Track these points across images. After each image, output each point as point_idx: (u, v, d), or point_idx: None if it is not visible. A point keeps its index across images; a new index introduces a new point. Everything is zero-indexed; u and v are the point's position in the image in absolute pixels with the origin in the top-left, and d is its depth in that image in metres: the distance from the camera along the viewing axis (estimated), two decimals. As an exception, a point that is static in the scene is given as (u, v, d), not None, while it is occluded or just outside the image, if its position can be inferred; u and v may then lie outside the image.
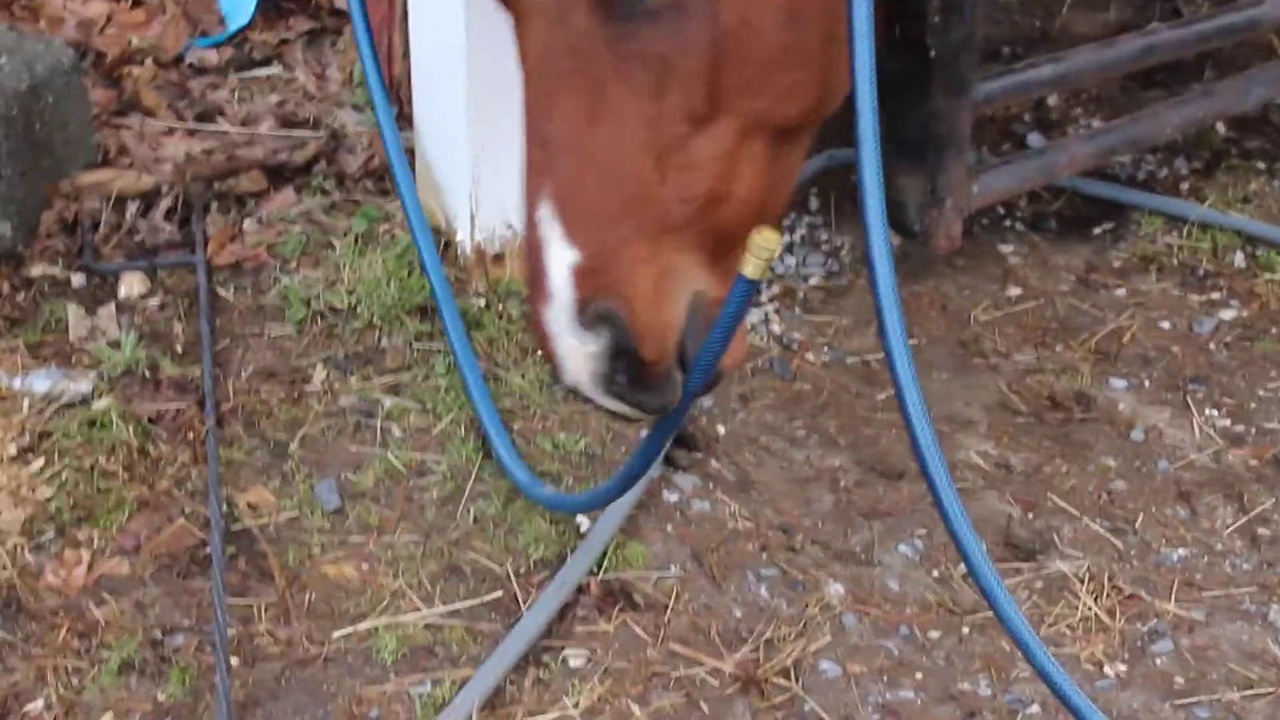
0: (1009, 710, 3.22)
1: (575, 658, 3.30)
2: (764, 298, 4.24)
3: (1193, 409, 3.94)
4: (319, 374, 3.95)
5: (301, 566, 3.48)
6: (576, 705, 3.18)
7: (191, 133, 4.78)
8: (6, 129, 4.16)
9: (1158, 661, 3.32)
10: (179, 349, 4.01)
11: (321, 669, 3.26)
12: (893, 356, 2.48)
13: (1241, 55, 5.03)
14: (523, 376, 3.94)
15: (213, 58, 5.16)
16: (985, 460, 3.79)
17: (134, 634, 3.29)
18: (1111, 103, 5.05)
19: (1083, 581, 3.47)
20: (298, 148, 4.67)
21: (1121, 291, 4.32)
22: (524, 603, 3.39)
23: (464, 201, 4.12)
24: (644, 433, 3.70)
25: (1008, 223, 4.58)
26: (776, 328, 4.17)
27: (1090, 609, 3.41)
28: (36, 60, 4.29)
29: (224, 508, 3.57)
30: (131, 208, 4.41)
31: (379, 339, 4.05)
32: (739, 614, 3.41)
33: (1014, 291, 4.32)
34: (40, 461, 3.63)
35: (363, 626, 3.34)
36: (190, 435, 3.74)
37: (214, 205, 4.45)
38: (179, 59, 5.16)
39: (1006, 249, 4.47)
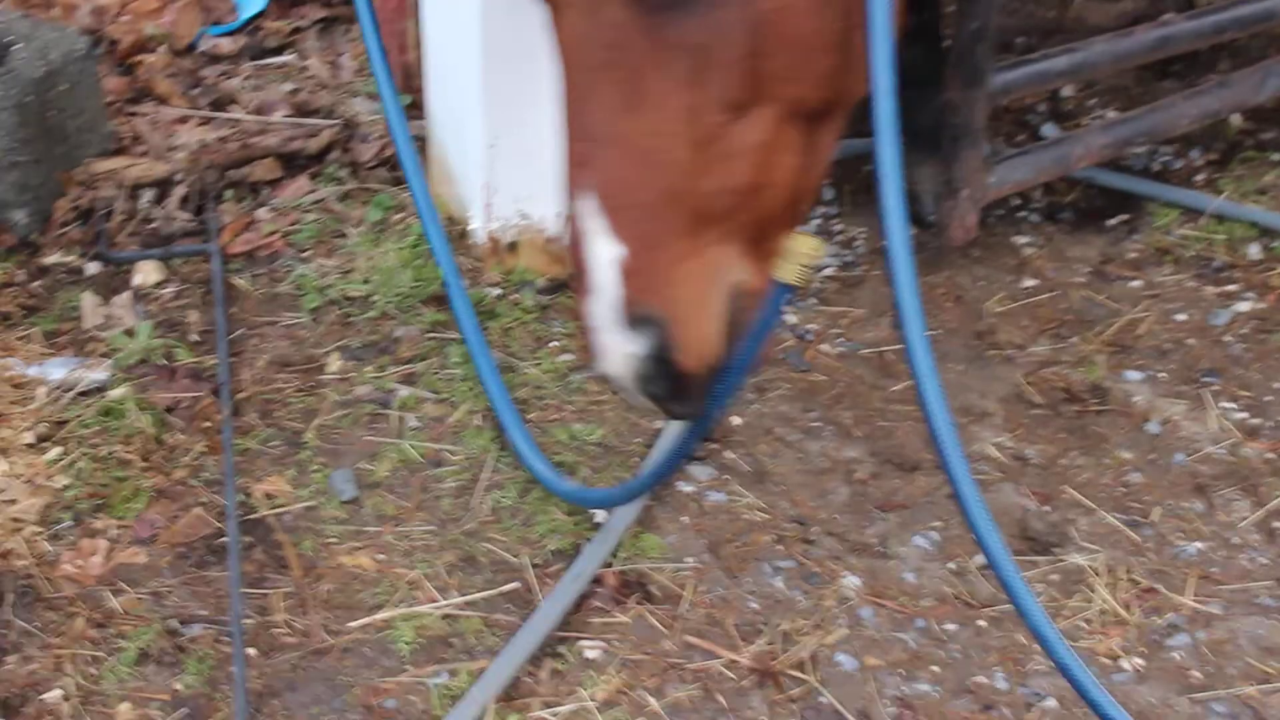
0: (1025, 703, 3.22)
1: (591, 649, 3.30)
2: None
3: (1208, 401, 3.93)
4: (334, 363, 3.95)
5: (318, 556, 3.48)
6: (593, 697, 3.18)
7: (205, 121, 4.78)
8: (21, 116, 4.16)
9: (1174, 655, 3.32)
10: (194, 338, 4.01)
11: (338, 659, 3.26)
12: (912, 347, 2.48)
13: (1257, 46, 5.02)
14: (538, 366, 3.93)
15: (226, 45, 5.16)
16: (1001, 452, 3.79)
17: (151, 623, 3.30)
18: (1126, 93, 5.03)
19: (1099, 574, 3.47)
20: (311, 136, 4.66)
21: (1137, 283, 4.31)
22: (540, 593, 3.39)
23: (478, 190, 4.12)
24: (664, 426, 3.71)
25: (1023, 214, 4.57)
26: (791, 318, 4.16)
27: (1106, 602, 3.41)
28: (51, 48, 4.29)
29: (240, 497, 3.57)
30: (146, 196, 4.41)
31: (394, 328, 4.04)
32: (755, 606, 3.41)
33: (1029, 283, 4.31)
34: (57, 450, 3.63)
35: (379, 617, 3.34)
36: (206, 424, 3.74)
37: (228, 194, 4.44)
38: (192, 47, 5.15)
39: (1021, 240, 4.47)
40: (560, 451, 3.73)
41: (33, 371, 3.82)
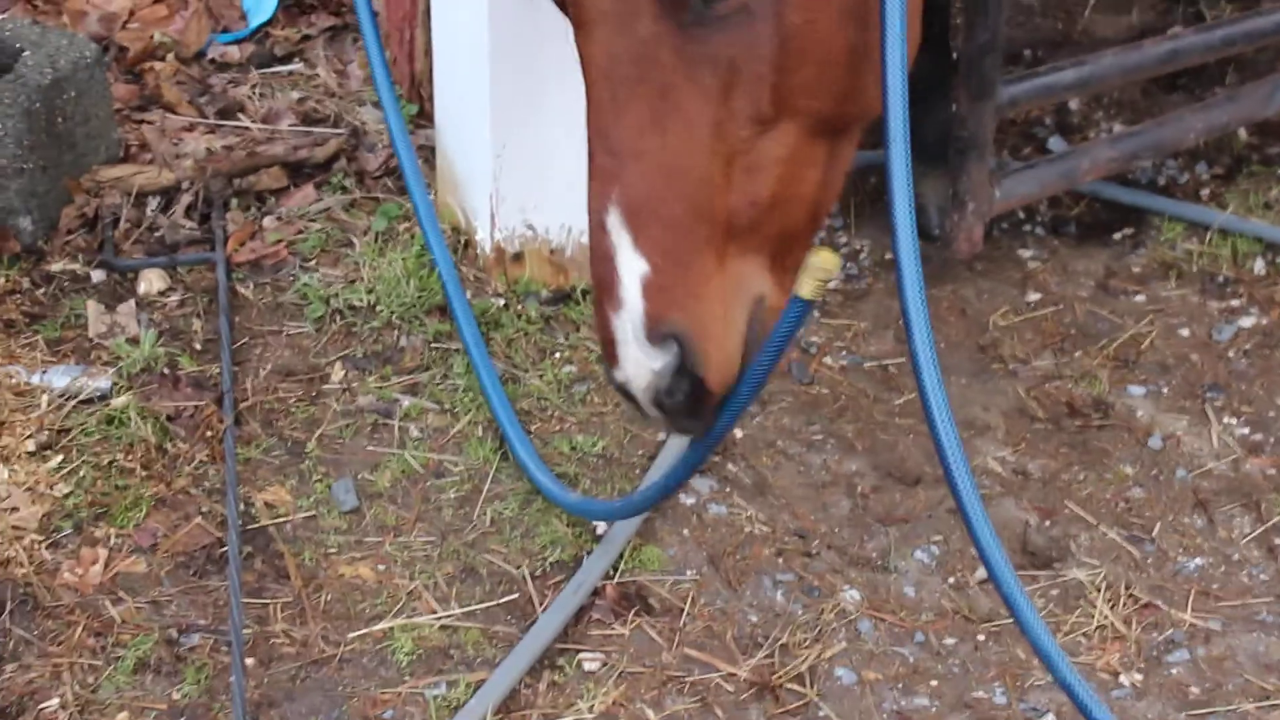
0: (1024, 718, 3.22)
1: (590, 661, 3.31)
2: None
3: (1211, 417, 3.93)
4: (337, 373, 3.95)
5: (318, 566, 3.48)
6: (591, 709, 3.19)
7: (212, 129, 4.78)
8: (29, 123, 4.16)
9: (1173, 671, 3.32)
10: (198, 346, 4.01)
11: (337, 669, 3.27)
12: (919, 361, 2.48)
13: (1265, 60, 5.01)
14: (540, 378, 3.94)
15: (234, 54, 5.16)
16: (1003, 466, 3.79)
17: (150, 632, 3.30)
18: (1133, 106, 5.03)
19: (1099, 590, 3.47)
20: (318, 145, 4.67)
21: (1141, 298, 4.31)
22: (540, 605, 3.40)
23: (484, 200, 4.12)
24: (667, 439, 3.71)
25: (1027, 227, 4.57)
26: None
27: (1106, 617, 3.41)
28: (59, 54, 4.30)
29: (241, 506, 3.58)
30: (152, 204, 4.42)
31: (398, 338, 4.05)
32: (754, 619, 3.41)
33: (1033, 297, 4.30)
34: (58, 458, 3.64)
35: (378, 627, 3.34)
36: (208, 433, 3.75)
37: (234, 202, 4.45)
38: (201, 54, 5.16)
39: (1026, 254, 4.46)
40: (562, 463, 3.73)
41: (36, 379, 3.82)
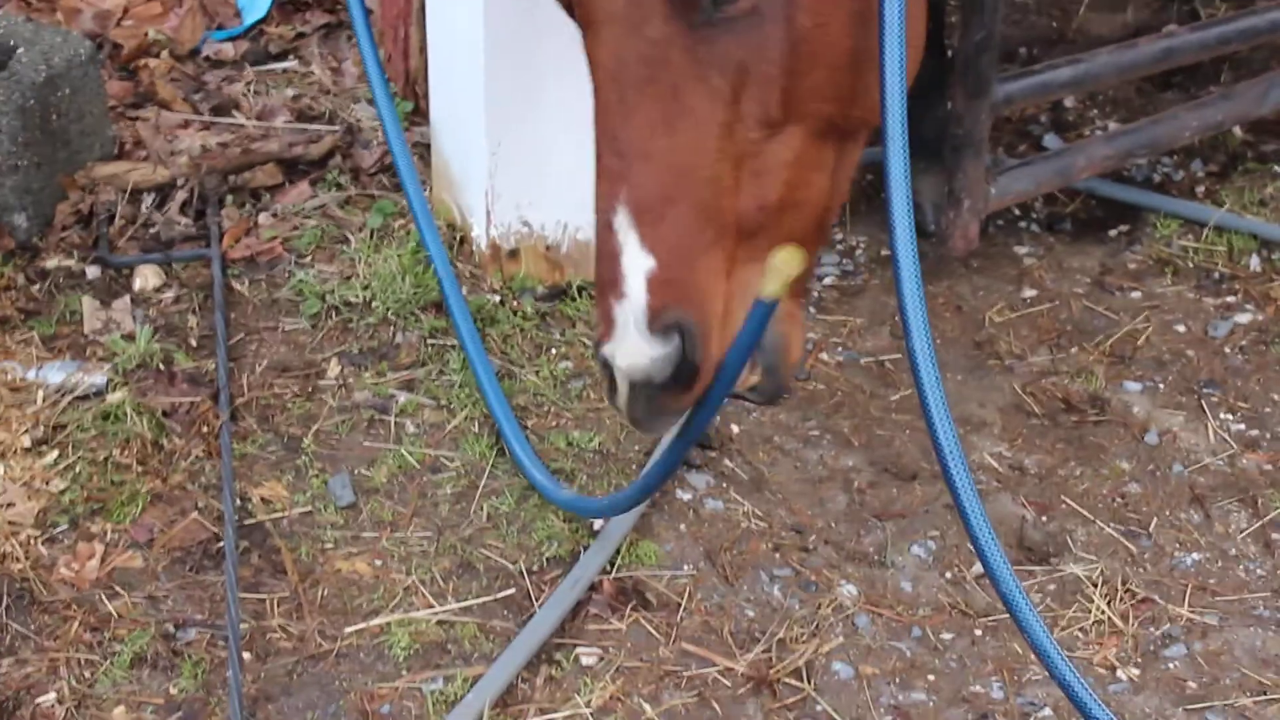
0: (1021, 713, 3.22)
1: (587, 656, 3.30)
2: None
3: (1207, 413, 3.93)
4: (333, 369, 3.95)
5: (314, 562, 3.48)
6: (588, 704, 3.19)
7: (207, 126, 4.78)
8: (23, 120, 4.16)
9: (1170, 666, 3.32)
10: (193, 342, 4.01)
11: (333, 664, 3.26)
12: (916, 357, 2.48)
13: (1259, 58, 5.02)
14: (536, 373, 3.93)
15: (229, 51, 5.16)
16: (999, 462, 3.79)
17: (146, 627, 3.30)
18: (1128, 104, 5.04)
19: (1096, 585, 3.47)
20: (313, 142, 4.67)
21: (1137, 294, 4.31)
22: (537, 600, 3.40)
23: (480, 197, 4.12)
24: (663, 440, 3.70)
25: (1023, 224, 4.57)
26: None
27: (1103, 612, 3.41)
28: (54, 52, 4.30)
29: (237, 502, 3.57)
30: (147, 200, 4.42)
31: (393, 334, 4.04)
32: (751, 614, 3.40)
33: (1029, 293, 4.31)
34: (54, 454, 3.63)
35: (375, 622, 3.34)
36: (204, 429, 3.74)
37: (229, 199, 4.45)
38: (195, 52, 5.16)
39: (1022, 250, 4.46)
40: (558, 458, 3.72)
41: (31, 375, 3.82)
